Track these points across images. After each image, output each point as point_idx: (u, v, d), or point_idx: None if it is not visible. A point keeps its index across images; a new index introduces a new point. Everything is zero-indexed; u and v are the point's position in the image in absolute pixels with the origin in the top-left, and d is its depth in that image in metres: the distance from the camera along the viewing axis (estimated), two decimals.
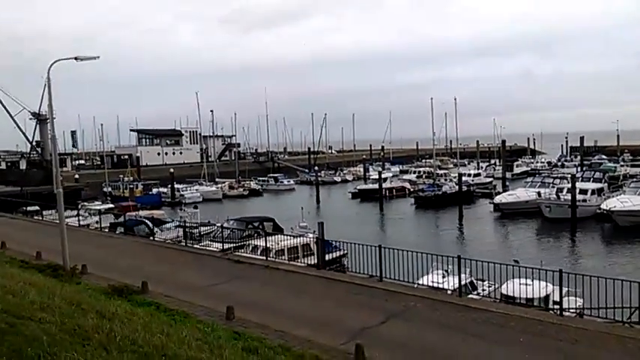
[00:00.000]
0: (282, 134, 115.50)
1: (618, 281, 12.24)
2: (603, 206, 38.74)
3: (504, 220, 44.37)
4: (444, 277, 19.86)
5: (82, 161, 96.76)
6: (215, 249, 24.07)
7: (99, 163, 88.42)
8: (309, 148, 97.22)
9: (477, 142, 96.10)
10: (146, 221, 31.35)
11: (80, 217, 37.40)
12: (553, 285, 17.03)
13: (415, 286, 17.12)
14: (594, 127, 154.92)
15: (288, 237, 24.28)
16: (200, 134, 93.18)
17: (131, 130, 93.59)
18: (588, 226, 39.24)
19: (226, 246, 25.36)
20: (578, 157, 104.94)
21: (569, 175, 57.50)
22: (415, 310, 12.29)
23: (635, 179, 46.36)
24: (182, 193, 61.98)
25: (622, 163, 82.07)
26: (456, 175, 67.33)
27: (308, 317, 11.94)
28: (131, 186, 57.50)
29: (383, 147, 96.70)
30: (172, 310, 12.03)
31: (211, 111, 79.97)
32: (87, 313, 7.27)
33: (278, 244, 23.48)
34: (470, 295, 19.34)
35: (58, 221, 34.71)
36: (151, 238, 28.08)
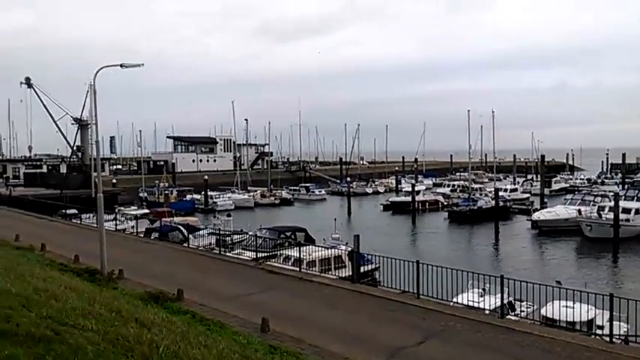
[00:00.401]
0: (313, 144, 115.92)
1: None
2: None
3: (542, 238, 43.06)
4: (481, 296, 19.27)
5: (120, 166, 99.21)
6: (247, 257, 24.11)
7: (135, 168, 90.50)
8: (340, 159, 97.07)
9: (514, 156, 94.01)
10: (180, 227, 31.70)
11: (117, 222, 38.27)
12: (596, 308, 16.36)
13: (451, 304, 16.66)
14: (636, 143, 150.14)
15: (321, 248, 24.04)
16: (234, 142, 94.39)
17: (167, 137, 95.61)
18: (631, 247, 37.67)
19: (259, 255, 25.46)
20: (619, 175, 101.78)
21: (612, 193, 55.99)
22: (455, 330, 11.89)
23: None
24: (215, 200, 62.62)
25: None
26: (492, 189, 66.20)
27: (343, 332, 11.69)
28: (166, 192, 58.46)
29: (416, 159, 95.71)
30: (208, 319, 11.96)
31: (246, 120, 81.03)
32: (127, 321, 7.24)
33: (310, 255, 23.32)
34: (508, 316, 18.80)
35: (96, 225, 35.75)
36: (185, 244, 28.41)
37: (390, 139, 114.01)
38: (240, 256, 24.41)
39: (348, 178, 70.17)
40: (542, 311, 16.94)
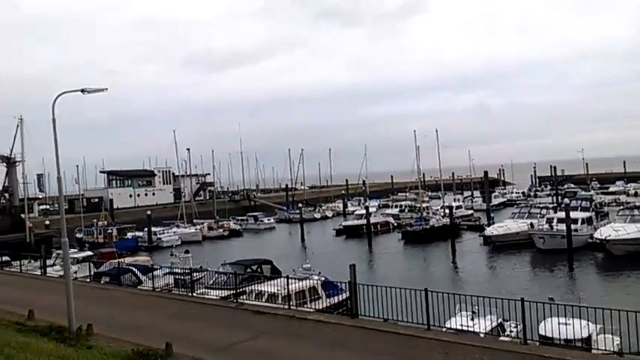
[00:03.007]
0: (253, 171, 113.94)
1: None
2: (597, 235, 38.77)
3: (497, 253, 43.84)
4: (472, 319, 18.77)
5: (47, 206, 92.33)
6: (215, 297, 22.47)
7: (66, 207, 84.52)
8: (286, 185, 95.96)
9: (453, 174, 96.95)
10: (133, 269, 29.40)
11: (58, 267, 34.96)
12: (590, 323, 16.21)
13: (444, 330, 15.97)
14: (555, 157, 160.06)
15: (294, 280, 22.75)
16: (173, 174, 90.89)
17: (101, 172, 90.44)
18: (583, 256, 39.01)
19: (225, 293, 23.78)
20: (548, 187, 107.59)
21: (552, 205, 58.57)
22: None
23: (622, 207, 46.95)
24: (159, 236, 59.39)
25: (592, 192, 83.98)
26: (437, 208, 67.48)
27: None
28: (109, 231, 54.68)
29: (365, 181, 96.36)
30: None
31: (188, 149, 78.13)
32: None
33: (284, 288, 22.06)
34: (501, 338, 18.33)
35: (36, 272, 32.42)
36: (139, 287, 26.24)
37: (333, 163, 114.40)
38: (206, 296, 22.74)
39: (300, 205, 69.10)
40: (540, 330, 16.55)
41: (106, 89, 14.17)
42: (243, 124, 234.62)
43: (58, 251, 44.12)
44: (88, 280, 29.77)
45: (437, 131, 68.72)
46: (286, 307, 18.22)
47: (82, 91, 13.67)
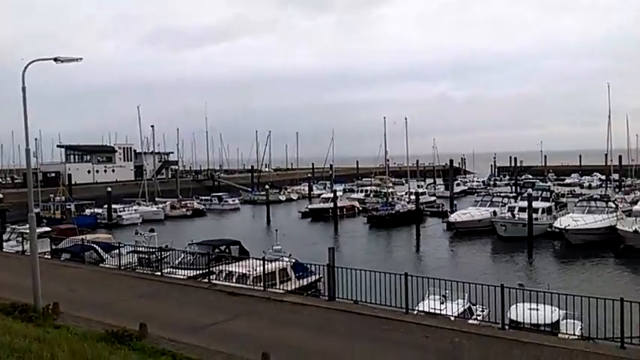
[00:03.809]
0: (218, 151, 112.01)
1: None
2: (557, 224, 40.01)
3: (459, 239, 44.78)
4: (442, 302, 19.04)
5: None
6: (182, 276, 21.98)
7: (19, 181, 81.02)
8: (252, 167, 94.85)
9: (417, 161, 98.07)
10: (95, 246, 28.46)
11: (14, 242, 33.41)
12: (555, 308, 16.69)
13: (415, 313, 16.13)
14: (513, 149, 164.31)
15: (264, 262, 22.49)
16: (135, 151, 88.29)
17: (58, 146, 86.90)
18: (542, 245, 40.24)
19: (193, 273, 23.29)
20: (507, 177, 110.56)
21: (512, 194, 60.13)
22: (464, 348, 11.15)
23: (581, 198, 48.61)
24: (119, 214, 57.70)
25: (549, 183, 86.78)
26: (402, 194, 68.25)
27: None
28: (69, 206, 52.67)
29: (332, 165, 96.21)
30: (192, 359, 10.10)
31: (152, 126, 75.87)
32: None
33: (255, 269, 21.79)
34: (469, 321, 18.68)
35: None
36: (101, 265, 25.43)
37: (299, 147, 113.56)
38: (173, 275, 22.19)
39: (267, 186, 68.39)
40: (510, 315, 16.89)
41: (81, 59, 13.35)
42: (209, 105, 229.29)
43: (13, 226, 42.30)
44: (48, 256, 28.57)
45: (406, 119, 69.28)
46: (261, 288, 17.99)
47: (55, 59, 12.82)
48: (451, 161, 72.80)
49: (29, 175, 15.41)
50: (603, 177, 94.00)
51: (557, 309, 16.64)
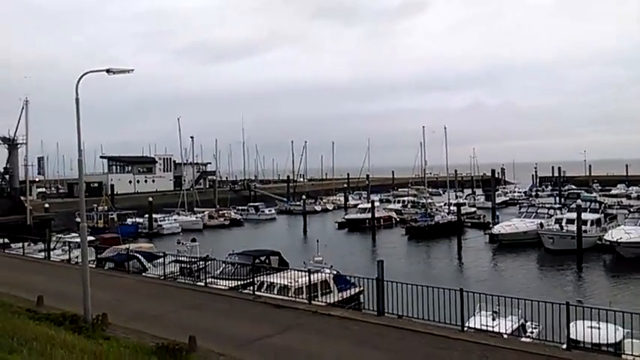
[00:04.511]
0: (253, 162, 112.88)
1: None
2: (608, 237, 38.29)
3: (504, 252, 43.36)
4: (493, 319, 18.25)
5: (43, 189, 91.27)
6: (224, 287, 21.83)
7: (64, 191, 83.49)
8: (287, 177, 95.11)
9: (455, 171, 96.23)
10: (138, 256, 28.72)
11: (60, 252, 34.17)
12: (623, 328, 15.66)
13: (465, 329, 15.39)
14: (552, 158, 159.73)
15: (305, 273, 22.13)
16: (174, 161, 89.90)
17: (101, 157, 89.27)
18: (592, 258, 38.59)
19: (233, 284, 23.15)
20: (549, 187, 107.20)
21: (557, 206, 58.07)
22: None
23: (633, 210, 46.48)
24: (160, 223, 58.62)
25: (594, 194, 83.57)
26: (441, 204, 66.96)
27: None
28: (112, 216, 53.84)
29: (368, 175, 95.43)
30: None
31: (191, 137, 77.14)
32: None
33: (296, 281, 21.44)
34: (523, 339, 17.78)
35: (37, 256, 31.64)
36: (144, 274, 25.60)
37: (326, 157, 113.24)
38: (214, 286, 22.06)
39: (304, 197, 68.34)
40: (567, 333, 15.95)
41: (132, 70, 13.38)
42: (245, 116, 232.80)
43: (59, 235, 43.40)
44: (92, 265, 29.00)
45: (445, 128, 68.28)
46: (303, 300, 17.64)
47: (108, 71, 12.88)
48: (493, 171, 71.13)
49: (81, 185, 15.65)
50: None
51: (620, 327, 15.66)
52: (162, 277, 23.39)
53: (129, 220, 58.22)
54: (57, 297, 17.38)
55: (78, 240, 37.46)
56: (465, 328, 14.78)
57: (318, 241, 29.34)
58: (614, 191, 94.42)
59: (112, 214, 55.00)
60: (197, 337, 12.34)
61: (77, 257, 30.89)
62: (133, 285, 21.43)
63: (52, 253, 33.04)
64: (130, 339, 12.49)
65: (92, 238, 41.20)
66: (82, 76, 12.76)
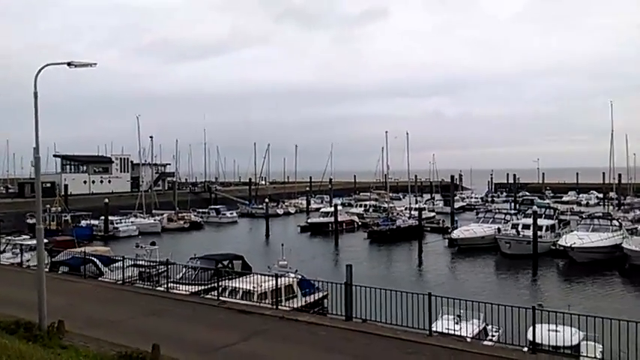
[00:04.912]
0: (214, 163, 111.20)
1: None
2: (562, 242, 39.62)
3: (462, 256, 44.22)
4: (457, 323, 18.50)
5: None
6: (185, 292, 21.31)
7: (13, 191, 79.93)
8: (249, 179, 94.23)
9: (415, 176, 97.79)
10: (94, 259, 27.71)
11: (9, 254, 32.62)
12: (576, 330, 16.17)
13: (427, 333, 15.55)
14: (507, 165, 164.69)
15: (269, 278, 21.88)
16: (132, 162, 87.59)
17: (54, 156, 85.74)
18: (546, 262, 39.80)
19: (195, 289, 22.65)
20: (504, 194, 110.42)
21: (513, 211, 59.78)
22: None
23: (585, 216, 48.35)
24: (116, 225, 56.84)
25: (547, 200, 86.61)
26: (401, 209, 67.82)
27: None
28: (65, 218, 51.81)
29: (331, 179, 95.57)
30: None
31: (151, 137, 75.11)
32: None
33: (260, 285, 21.20)
34: (484, 342, 18.10)
35: None
36: (99, 279, 24.76)
37: (299, 160, 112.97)
38: (177, 291, 21.50)
39: (267, 200, 67.72)
40: (529, 336, 16.34)
41: (95, 64, 12.86)
42: (207, 117, 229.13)
43: (8, 237, 41.37)
44: (45, 269, 27.74)
45: (407, 134, 68.97)
46: (268, 305, 17.39)
47: (69, 64, 12.33)
48: (452, 177, 72.60)
49: (38, 184, 14.95)
50: (600, 195, 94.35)
51: (578, 331, 16.16)
52: (120, 282, 22.68)
53: (83, 222, 56.21)
54: (8, 303, 16.55)
55: (30, 242, 36.05)
56: (428, 331, 14.96)
57: (282, 245, 29.12)
58: (565, 198, 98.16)
59: (65, 216, 52.97)
60: (160, 344, 11.93)
61: (29, 261, 29.59)
62: (89, 290, 20.63)
63: (1, 256, 31.56)
64: (89, 348, 11.96)
65: (45, 240, 39.62)
66: (41, 69, 12.19)
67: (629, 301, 30.65)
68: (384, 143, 65.71)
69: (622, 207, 69.36)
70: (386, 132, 67.22)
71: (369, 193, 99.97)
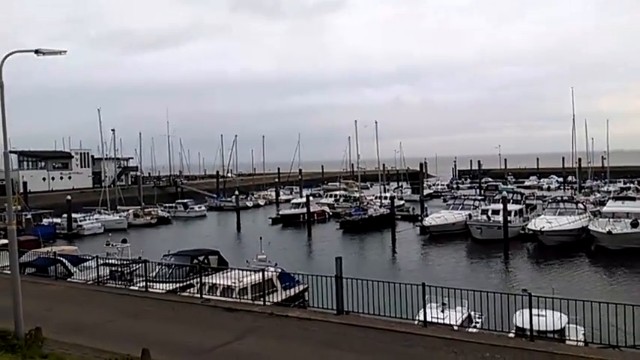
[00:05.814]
0: (178, 156, 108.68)
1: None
2: (531, 226, 40.52)
3: (435, 243, 44.72)
4: (442, 311, 18.51)
5: None
6: (161, 290, 20.63)
7: None
8: (217, 172, 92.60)
9: (384, 165, 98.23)
10: (62, 259, 26.52)
11: None
12: (561, 314, 16.39)
13: (416, 323, 15.49)
14: (469, 152, 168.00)
15: (249, 272, 21.44)
16: (92, 156, 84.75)
17: (11, 152, 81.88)
18: (517, 246, 40.63)
19: (171, 286, 21.99)
20: (468, 180, 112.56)
21: (480, 197, 60.88)
22: None
23: (550, 200, 49.59)
24: (80, 223, 54.83)
25: (510, 185, 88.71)
26: (371, 198, 68.08)
27: None
28: (27, 216, 49.55)
29: (301, 170, 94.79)
30: None
31: (112, 130, 72.58)
32: None
33: (240, 281, 20.73)
34: (469, 329, 18.20)
35: None
36: (69, 280, 23.75)
37: (266, 151, 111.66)
38: (152, 290, 20.76)
39: (236, 192, 66.64)
40: (516, 322, 16.47)
41: (65, 52, 12.02)
42: (166, 110, 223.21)
43: None
44: (9, 271, 26.36)
45: (376, 123, 68.98)
46: (260, 302, 16.96)
47: (37, 52, 11.46)
48: (421, 165, 73.39)
49: (8, 182, 13.92)
50: (560, 179, 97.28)
51: (563, 314, 16.37)
52: (92, 282, 21.80)
53: (45, 221, 53.95)
54: None
55: None
56: (414, 321, 14.89)
57: (261, 238, 28.60)
58: (527, 183, 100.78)
59: (26, 215, 50.66)
60: (151, 348, 11.35)
61: None
62: (61, 292, 19.67)
63: None
64: (72, 355, 11.26)
65: (5, 241, 37.77)
66: (7, 55, 11.28)
67: (596, 280, 31.67)
68: (351, 132, 65.78)
69: (583, 190, 71.63)
70: (355, 121, 67.18)
71: (337, 183, 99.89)
